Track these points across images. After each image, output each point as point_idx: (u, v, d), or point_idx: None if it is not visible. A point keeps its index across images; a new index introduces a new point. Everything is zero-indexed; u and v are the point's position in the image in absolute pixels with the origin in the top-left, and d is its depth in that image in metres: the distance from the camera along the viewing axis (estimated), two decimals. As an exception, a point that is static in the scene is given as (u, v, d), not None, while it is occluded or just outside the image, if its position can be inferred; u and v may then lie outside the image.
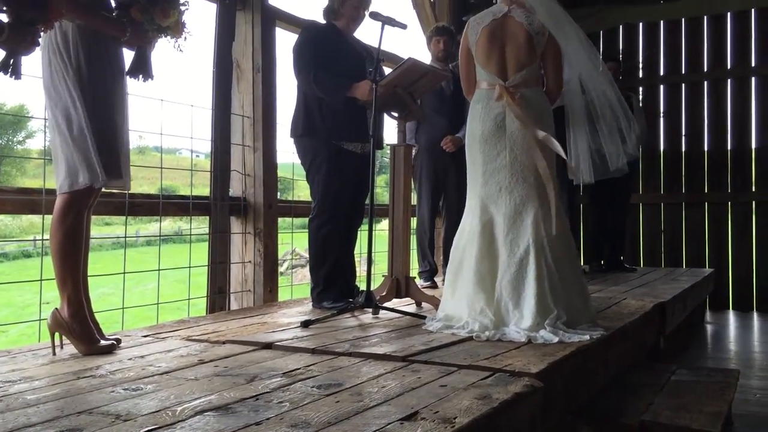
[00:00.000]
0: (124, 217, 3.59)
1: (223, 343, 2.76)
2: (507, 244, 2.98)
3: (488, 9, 3.22)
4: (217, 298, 4.09)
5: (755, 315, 6.74)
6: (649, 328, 3.67)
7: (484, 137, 3.09)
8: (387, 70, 3.81)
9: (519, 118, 3.00)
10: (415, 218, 5.02)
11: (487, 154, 3.08)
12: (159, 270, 3.75)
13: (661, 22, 7.55)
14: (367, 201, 3.68)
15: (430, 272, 5.06)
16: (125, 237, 3.72)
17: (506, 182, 3.03)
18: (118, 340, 2.68)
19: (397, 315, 3.39)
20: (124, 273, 3.55)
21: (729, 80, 7.25)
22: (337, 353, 2.52)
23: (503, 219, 3.01)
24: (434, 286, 4.88)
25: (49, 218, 2.62)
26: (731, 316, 6.70)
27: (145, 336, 2.93)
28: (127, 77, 2.60)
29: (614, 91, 3.50)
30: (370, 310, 3.41)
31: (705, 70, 7.36)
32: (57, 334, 2.56)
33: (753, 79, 7.14)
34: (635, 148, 5.22)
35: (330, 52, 3.71)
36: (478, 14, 3.22)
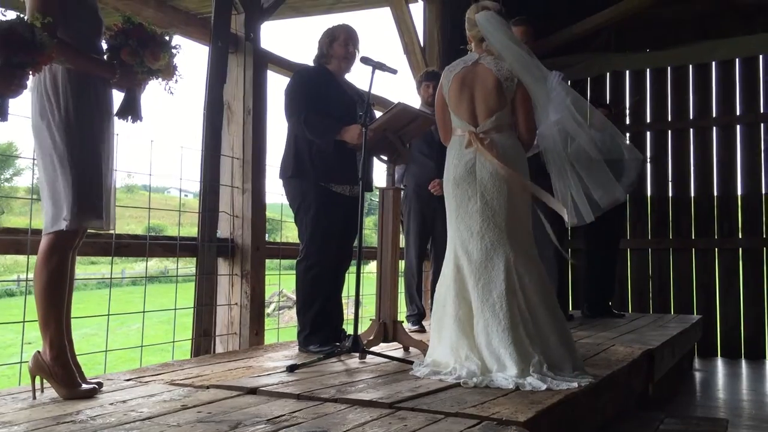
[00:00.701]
0: (109, 257, 3.55)
1: (207, 387, 2.72)
2: (479, 290, 2.98)
3: (461, 58, 3.27)
4: (203, 341, 4.04)
5: (743, 362, 6.72)
6: (637, 376, 3.65)
7: (456, 182, 3.12)
8: (378, 114, 3.84)
9: (491, 161, 3.02)
10: (403, 261, 5.01)
11: (460, 198, 3.11)
12: (144, 312, 3.70)
13: (648, 70, 7.67)
14: (356, 243, 3.67)
15: (417, 316, 5.03)
16: (111, 278, 3.68)
17: (477, 227, 3.05)
18: (100, 384, 2.63)
19: (385, 360, 3.36)
20: (108, 315, 3.51)
21: (714, 128, 7.35)
22: (323, 399, 2.49)
23: (475, 264, 3.01)
24: (422, 330, 4.85)
25: (34, 258, 2.59)
26: (720, 364, 6.68)
27: (127, 380, 2.88)
28: (116, 118, 2.60)
29: (608, 127, 3.52)
30: (357, 354, 3.38)
31: (691, 117, 7.46)
32: (38, 378, 2.51)
33: (738, 127, 7.23)
34: (636, 176, 5.26)
35: (321, 95, 3.74)
36: (452, 63, 3.28)
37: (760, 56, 7.14)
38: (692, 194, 7.39)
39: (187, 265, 4.52)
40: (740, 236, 7.13)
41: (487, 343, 2.89)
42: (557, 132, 3.33)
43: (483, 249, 3.02)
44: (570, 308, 6.74)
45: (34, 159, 2.60)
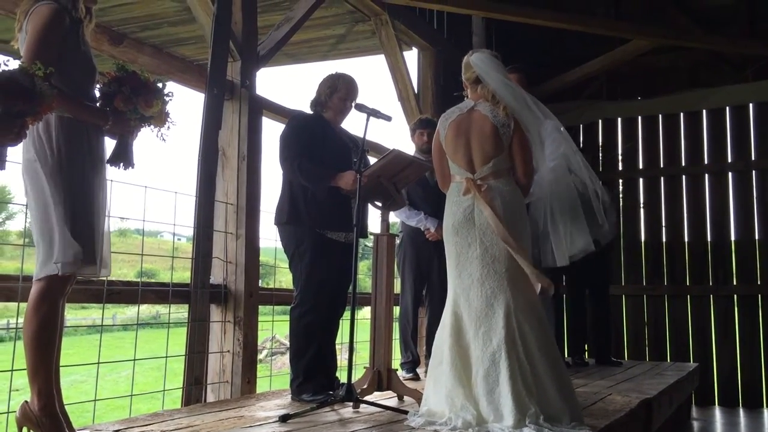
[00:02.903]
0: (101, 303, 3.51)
1: (198, 438, 2.66)
2: (479, 338, 2.94)
3: (457, 105, 3.29)
4: (194, 389, 3.97)
5: (741, 411, 6.64)
6: (635, 426, 3.59)
7: (455, 229, 3.11)
8: (372, 160, 3.85)
9: (487, 215, 3.01)
10: (397, 307, 4.97)
11: (459, 245, 3.09)
12: (135, 360, 3.64)
13: (639, 117, 7.74)
14: (350, 290, 3.64)
15: (412, 363, 4.97)
16: (102, 325, 3.63)
17: (478, 274, 3.02)
18: (88, 435, 2.57)
19: (379, 409, 3.30)
20: (99, 363, 3.45)
21: (706, 175, 7.38)
22: (316, 451, 2.44)
23: (475, 311, 2.98)
24: (416, 377, 4.79)
25: (24, 305, 2.55)
26: (717, 413, 6.59)
27: (116, 430, 2.82)
28: (108, 165, 2.59)
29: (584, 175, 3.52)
30: (351, 403, 3.32)
31: (683, 164, 7.51)
32: (25, 428, 2.45)
33: (730, 174, 7.27)
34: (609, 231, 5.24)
35: (316, 142, 3.76)
36: (448, 110, 3.29)
37: (750, 105, 7.23)
38: (686, 240, 7.38)
39: (179, 310, 4.47)
40: (735, 283, 7.11)
41: (486, 393, 2.84)
42: (554, 178, 3.35)
43: (484, 296, 2.98)
44: (566, 354, 6.69)
45: (26, 204, 2.58)
